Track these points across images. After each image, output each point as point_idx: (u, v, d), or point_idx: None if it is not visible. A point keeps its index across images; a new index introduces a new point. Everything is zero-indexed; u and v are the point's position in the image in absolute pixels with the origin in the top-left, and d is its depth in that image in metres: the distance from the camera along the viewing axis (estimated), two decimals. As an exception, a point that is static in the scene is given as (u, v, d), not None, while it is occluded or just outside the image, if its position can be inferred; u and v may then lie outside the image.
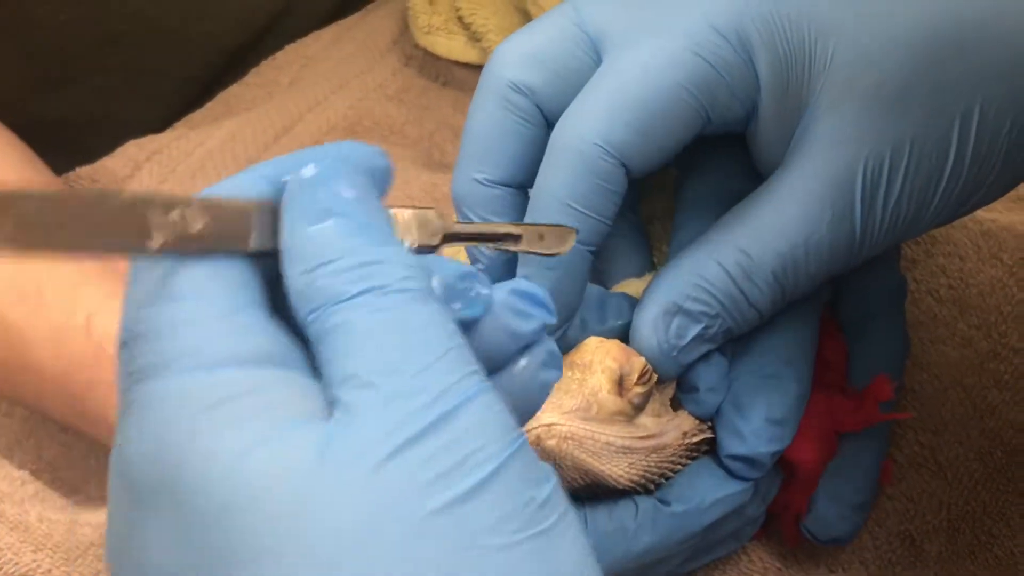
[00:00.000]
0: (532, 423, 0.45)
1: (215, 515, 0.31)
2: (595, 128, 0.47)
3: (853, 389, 0.53)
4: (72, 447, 0.63)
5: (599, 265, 0.53)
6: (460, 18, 0.79)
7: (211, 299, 0.34)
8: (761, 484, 0.51)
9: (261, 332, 0.34)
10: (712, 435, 0.50)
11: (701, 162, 0.53)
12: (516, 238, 0.40)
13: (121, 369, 0.34)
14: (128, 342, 0.34)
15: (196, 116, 0.79)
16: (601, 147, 0.47)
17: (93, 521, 0.56)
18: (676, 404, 0.50)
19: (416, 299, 0.34)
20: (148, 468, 0.32)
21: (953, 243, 0.65)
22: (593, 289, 0.50)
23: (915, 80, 0.46)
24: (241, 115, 0.77)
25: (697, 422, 0.49)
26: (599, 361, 0.47)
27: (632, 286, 0.52)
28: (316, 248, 0.34)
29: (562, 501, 0.33)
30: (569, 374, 0.47)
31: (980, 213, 0.66)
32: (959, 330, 0.61)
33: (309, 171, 0.35)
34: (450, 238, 0.38)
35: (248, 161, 0.73)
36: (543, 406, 0.39)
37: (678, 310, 0.48)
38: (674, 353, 0.48)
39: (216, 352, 0.33)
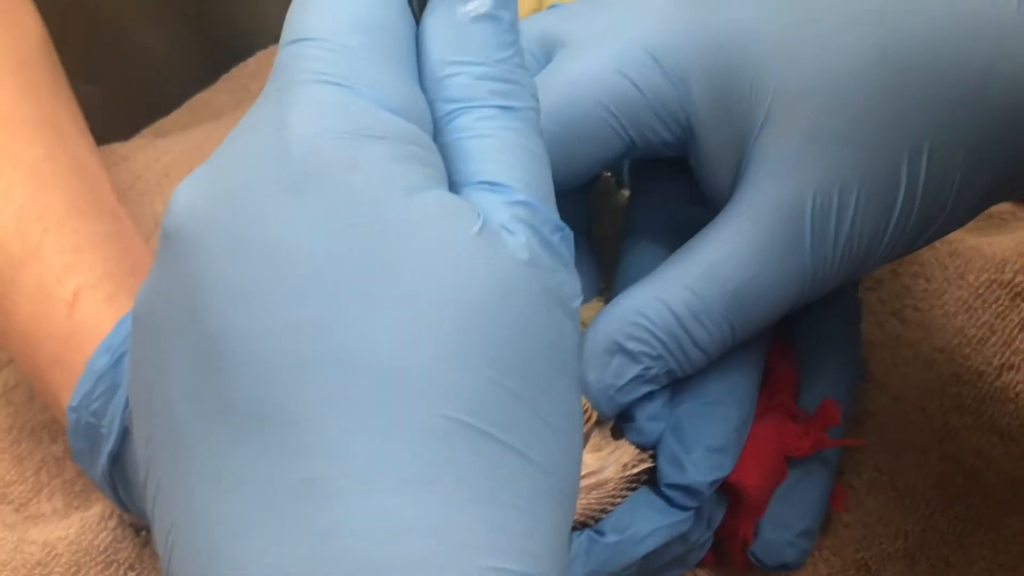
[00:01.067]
0: None
1: (365, 221, 0.34)
2: None
3: (803, 413, 0.52)
4: (24, 460, 0.62)
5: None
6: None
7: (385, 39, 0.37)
8: (705, 509, 0.50)
9: (416, 90, 0.37)
10: (653, 464, 0.49)
11: (653, 184, 0.53)
12: None
13: (283, 59, 0.36)
14: (291, 44, 0.36)
15: (164, 123, 0.78)
16: None
17: (40, 539, 0.56)
18: (617, 433, 0.49)
19: (538, 132, 0.38)
20: (319, 151, 0.34)
21: (920, 263, 0.64)
22: None
23: (860, 111, 0.45)
24: (207, 123, 0.76)
25: (638, 451, 0.48)
26: None
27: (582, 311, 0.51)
28: (464, 41, 0.37)
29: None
30: None
31: (949, 234, 0.65)
32: (922, 352, 0.60)
33: None
34: None
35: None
36: None
37: (618, 349, 0.47)
38: (611, 393, 0.47)
39: (383, 92, 0.36)
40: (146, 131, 0.78)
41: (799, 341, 0.54)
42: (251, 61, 0.81)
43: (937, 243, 0.65)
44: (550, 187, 0.38)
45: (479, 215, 0.35)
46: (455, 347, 0.33)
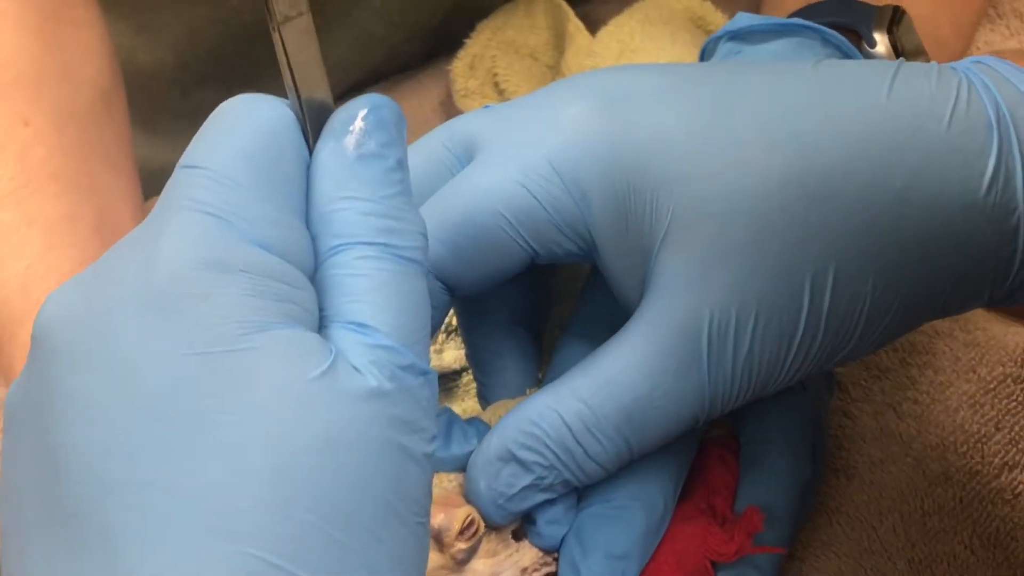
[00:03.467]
0: None
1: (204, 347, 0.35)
2: None
3: (734, 517, 0.52)
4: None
5: (482, 380, 0.53)
6: (496, 83, 0.79)
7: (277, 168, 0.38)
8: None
9: (296, 225, 0.38)
10: (555, 569, 0.49)
11: (601, 279, 0.53)
12: None
13: (173, 183, 0.38)
14: (183, 168, 0.38)
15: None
16: None
17: None
18: (520, 534, 0.49)
19: (419, 273, 0.39)
20: (179, 279, 0.36)
21: (932, 353, 0.62)
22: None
23: (760, 234, 0.45)
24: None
25: (541, 554, 0.49)
26: None
27: (505, 407, 0.51)
28: (352, 177, 0.38)
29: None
30: None
31: (973, 322, 0.63)
32: (914, 449, 0.59)
33: (362, 109, 0.39)
34: None
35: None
36: None
37: (511, 457, 0.47)
38: (500, 501, 0.47)
39: (257, 226, 0.37)
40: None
41: (742, 443, 0.53)
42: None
43: (957, 331, 0.63)
44: (422, 331, 0.38)
45: (330, 356, 0.36)
46: (274, 490, 0.34)
